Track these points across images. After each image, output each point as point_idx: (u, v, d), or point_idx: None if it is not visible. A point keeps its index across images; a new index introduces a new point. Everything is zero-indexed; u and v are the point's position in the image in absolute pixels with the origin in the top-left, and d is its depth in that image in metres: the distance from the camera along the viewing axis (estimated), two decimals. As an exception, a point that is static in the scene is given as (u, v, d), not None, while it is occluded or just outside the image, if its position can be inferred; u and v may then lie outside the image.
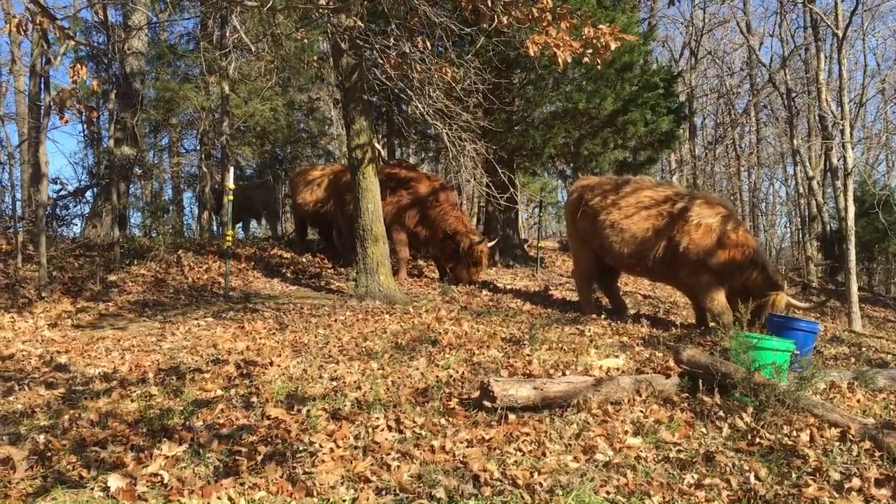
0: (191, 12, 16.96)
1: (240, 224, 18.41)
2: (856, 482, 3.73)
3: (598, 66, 6.24)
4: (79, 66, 5.73)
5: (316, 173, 13.93)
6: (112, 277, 9.86)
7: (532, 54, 5.86)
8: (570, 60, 5.83)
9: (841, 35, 13.16)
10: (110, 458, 3.84)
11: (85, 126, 18.69)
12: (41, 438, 4.13)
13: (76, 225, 13.90)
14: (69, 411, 4.70)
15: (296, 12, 10.42)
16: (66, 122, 7.19)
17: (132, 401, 5.00)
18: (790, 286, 8.85)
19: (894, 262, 22.02)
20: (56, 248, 11.03)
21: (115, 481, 3.52)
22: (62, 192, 13.47)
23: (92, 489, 3.52)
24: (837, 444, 4.32)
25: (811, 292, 16.61)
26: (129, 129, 12.65)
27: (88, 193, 14.50)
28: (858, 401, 5.56)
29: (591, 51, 5.90)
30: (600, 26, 5.77)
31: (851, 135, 13.60)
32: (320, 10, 8.20)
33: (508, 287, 11.88)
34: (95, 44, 14.14)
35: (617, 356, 6.47)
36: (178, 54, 17.12)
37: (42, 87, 10.82)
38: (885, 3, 21.57)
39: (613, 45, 5.78)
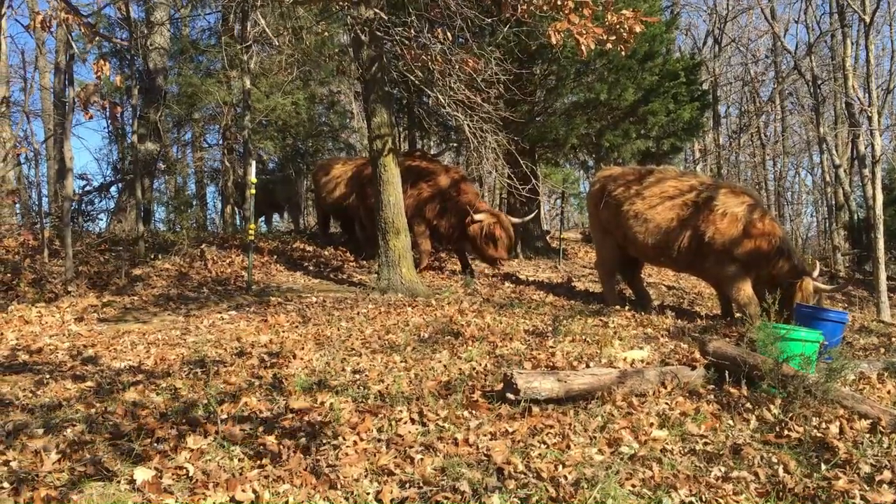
0: (212, 7, 17.02)
1: (262, 217, 18.49)
2: (886, 475, 3.67)
3: (623, 53, 6.17)
4: (102, 62, 5.76)
5: (338, 166, 13.94)
6: (137, 272, 9.94)
7: (554, 42, 5.81)
8: (593, 47, 5.77)
9: (868, 20, 12.95)
10: (137, 450, 3.87)
11: (109, 122, 18.85)
12: (69, 431, 4.17)
13: (101, 220, 14.03)
14: (96, 404, 4.75)
15: (316, 5, 10.42)
16: (91, 117, 7.24)
17: (158, 394, 5.03)
18: (819, 275, 8.72)
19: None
20: (82, 242, 11.14)
21: (141, 474, 3.55)
22: (87, 188, 13.60)
23: (119, 482, 3.55)
24: (867, 435, 4.25)
25: (838, 282, 16.39)
26: (153, 124, 12.72)
27: (113, 189, 14.63)
28: (889, 392, 5.48)
29: (614, 37, 5.84)
30: (623, 11, 5.71)
31: (879, 122, 13.39)
32: (340, 3, 8.19)
33: (531, 279, 11.83)
34: (119, 40, 14.25)
35: (641, 348, 6.42)
36: (200, 49, 17.19)
37: (67, 83, 10.90)
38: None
39: (638, 29, 5.72)
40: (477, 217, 10.82)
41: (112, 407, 4.66)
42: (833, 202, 22.36)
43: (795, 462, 3.85)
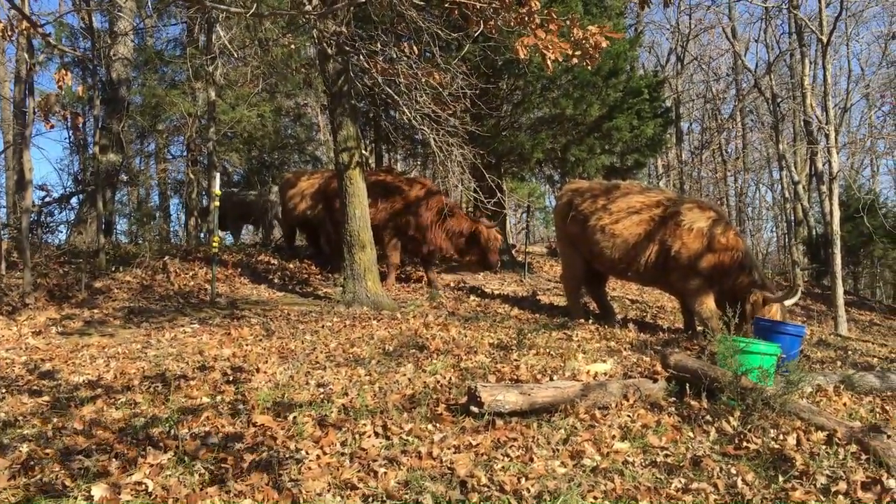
0: (177, 18, 16.91)
1: (229, 231, 18.31)
2: (842, 486, 3.74)
3: (589, 67, 6.25)
4: (64, 71, 5.69)
5: (305, 179, 13.90)
6: (97, 284, 9.79)
7: (522, 56, 5.86)
8: (560, 59, 5.83)
9: (825, 41, 13.27)
10: (94, 466, 3.80)
11: (70, 132, 18.58)
12: (24, 447, 4.08)
13: (61, 232, 13.79)
14: (53, 420, 4.66)
15: (282, 18, 10.41)
16: (52, 127, 7.15)
17: (117, 409, 4.96)
18: (778, 289, 8.88)
19: (879, 266, 22.18)
20: (41, 254, 10.95)
21: (98, 490, 3.49)
22: (47, 199, 13.35)
23: (76, 498, 3.49)
24: (824, 447, 4.33)
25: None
26: (115, 135, 12.58)
27: (74, 200, 14.39)
28: (845, 404, 5.58)
29: (579, 52, 5.91)
30: (589, 27, 5.78)
31: (836, 139, 13.72)
32: (306, 16, 8.19)
33: (496, 292, 11.88)
34: (81, 50, 14.05)
35: (604, 361, 6.47)
36: (164, 60, 17.05)
37: (27, 92, 10.74)
38: (869, 8, 21.75)
39: (604, 44, 5.79)
40: (489, 224, 11.47)
41: (69, 422, 4.58)
42: (792, 218, 22.82)
43: (754, 473, 3.90)
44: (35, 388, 5.54)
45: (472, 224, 11.45)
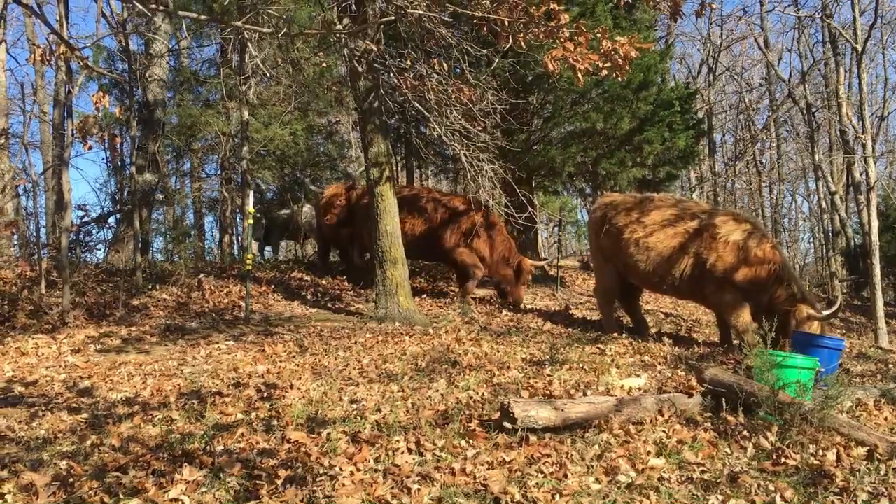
0: (212, 40, 17.19)
1: (269, 247, 18.48)
2: (884, 502, 3.66)
3: (619, 79, 6.23)
4: (102, 93, 5.82)
5: (340, 193, 13.95)
6: (135, 302, 9.94)
7: (552, 69, 5.86)
8: (590, 70, 5.83)
9: (860, 49, 13.10)
10: (131, 483, 3.84)
11: (108, 153, 18.95)
12: (63, 464, 4.15)
13: (99, 250, 14.02)
14: (91, 437, 4.72)
15: (314, 38, 10.54)
16: (90, 148, 7.29)
17: (153, 425, 5.01)
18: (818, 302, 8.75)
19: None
20: (80, 273, 11.14)
21: (135, 506, 3.53)
22: (85, 219, 13.60)
23: (113, 514, 3.53)
24: (865, 463, 4.24)
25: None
26: (151, 155, 12.79)
27: (111, 219, 14.65)
28: (886, 419, 5.46)
29: (609, 64, 5.90)
30: (618, 38, 5.78)
31: (873, 149, 13.51)
32: (337, 35, 8.29)
33: (528, 307, 11.83)
34: (118, 72, 14.35)
35: (638, 376, 6.41)
36: (199, 80, 17.33)
37: (66, 115, 10.98)
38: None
39: (633, 55, 5.78)
40: (534, 261, 11.86)
41: (106, 439, 4.64)
42: (830, 229, 22.46)
43: (793, 490, 3.83)
44: (74, 405, 5.63)
45: (518, 255, 11.63)
